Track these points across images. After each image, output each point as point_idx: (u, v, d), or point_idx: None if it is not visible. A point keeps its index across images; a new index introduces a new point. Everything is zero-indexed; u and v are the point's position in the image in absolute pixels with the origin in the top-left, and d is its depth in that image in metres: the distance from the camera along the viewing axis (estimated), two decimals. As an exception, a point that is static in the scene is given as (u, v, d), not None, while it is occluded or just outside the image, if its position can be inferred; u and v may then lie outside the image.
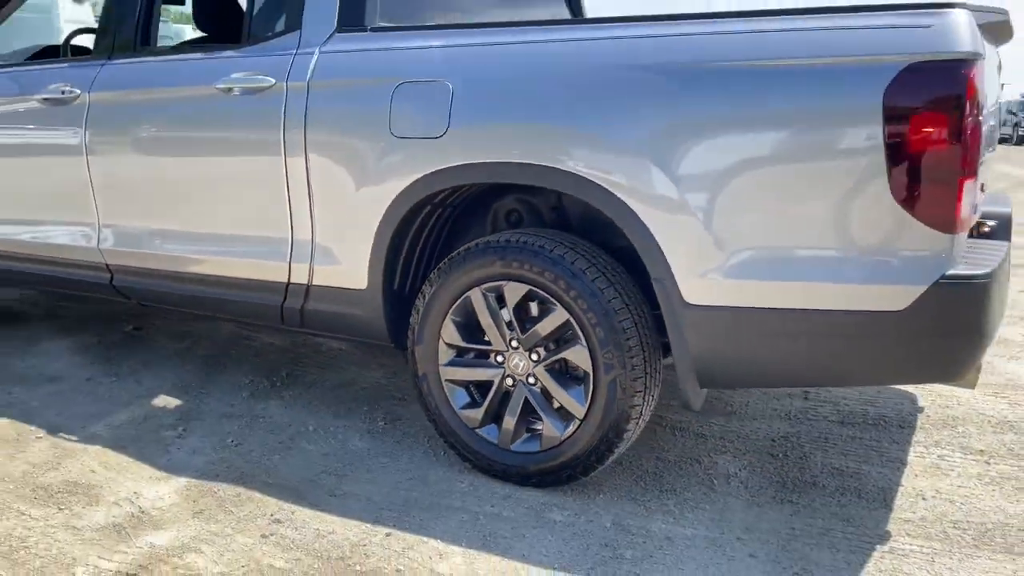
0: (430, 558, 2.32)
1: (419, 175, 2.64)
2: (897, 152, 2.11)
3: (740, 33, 2.29)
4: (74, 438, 3.05)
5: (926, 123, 2.08)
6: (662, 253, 2.36)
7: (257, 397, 3.44)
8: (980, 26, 2.30)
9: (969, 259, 2.26)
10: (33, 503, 2.60)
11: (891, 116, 2.10)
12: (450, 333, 2.73)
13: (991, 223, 3.06)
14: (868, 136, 2.12)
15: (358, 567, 2.28)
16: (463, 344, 2.73)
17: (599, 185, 2.39)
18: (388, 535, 2.43)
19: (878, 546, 2.44)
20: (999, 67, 2.86)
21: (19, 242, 3.69)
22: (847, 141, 2.16)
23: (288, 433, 3.11)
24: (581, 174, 2.41)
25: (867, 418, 3.37)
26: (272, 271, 3.02)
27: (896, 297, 2.18)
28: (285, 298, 3.03)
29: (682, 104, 2.31)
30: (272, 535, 2.43)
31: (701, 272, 2.33)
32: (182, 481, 2.75)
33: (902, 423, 3.33)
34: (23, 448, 2.97)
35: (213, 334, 4.24)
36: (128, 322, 4.40)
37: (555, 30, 2.56)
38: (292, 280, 2.99)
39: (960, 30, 2.08)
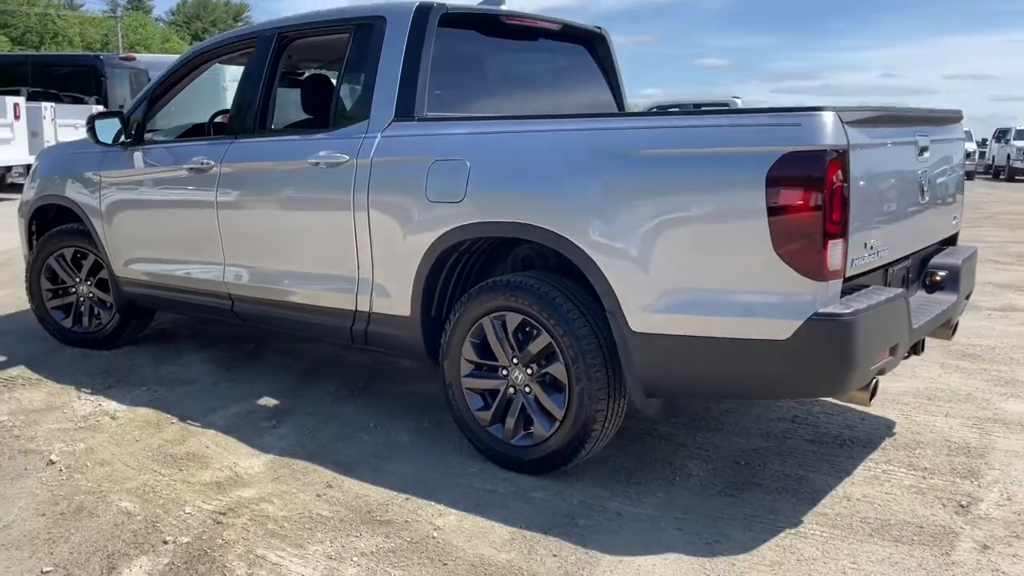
0: (431, 515, 3.12)
1: (445, 229, 3.49)
2: (777, 218, 2.78)
3: (670, 127, 3.04)
4: (197, 424, 4.04)
5: (796, 197, 2.75)
6: (613, 292, 3.09)
7: (337, 401, 4.35)
8: (871, 120, 2.96)
9: (847, 301, 2.87)
10: (163, 465, 3.57)
11: (772, 191, 2.77)
12: (469, 351, 3.54)
13: (942, 274, 3.63)
14: (757, 206, 2.80)
15: (379, 517, 3.10)
16: (478, 360, 3.53)
17: (568, 239, 3.16)
18: (407, 499, 3.25)
19: (787, 529, 3.05)
20: (922, 146, 3.42)
21: (171, 276, 4.77)
22: (743, 209, 2.84)
23: (353, 428, 3.99)
24: (554, 231, 3.19)
25: (839, 439, 3.92)
26: (344, 301, 3.92)
27: (781, 329, 2.83)
28: (353, 322, 3.92)
29: (627, 179, 3.05)
30: (324, 495, 3.29)
31: (642, 307, 3.05)
32: (269, 457, 3.66)
33: (868, 444, 3.87)
34: (160, 429, 3.98)
35: (313, 352, 5.21)
36: (250, 342, 5.44)
37: (540, 123, 3.38)
38: (358, 308, 3.89)
39: (824, 128, 2.74)
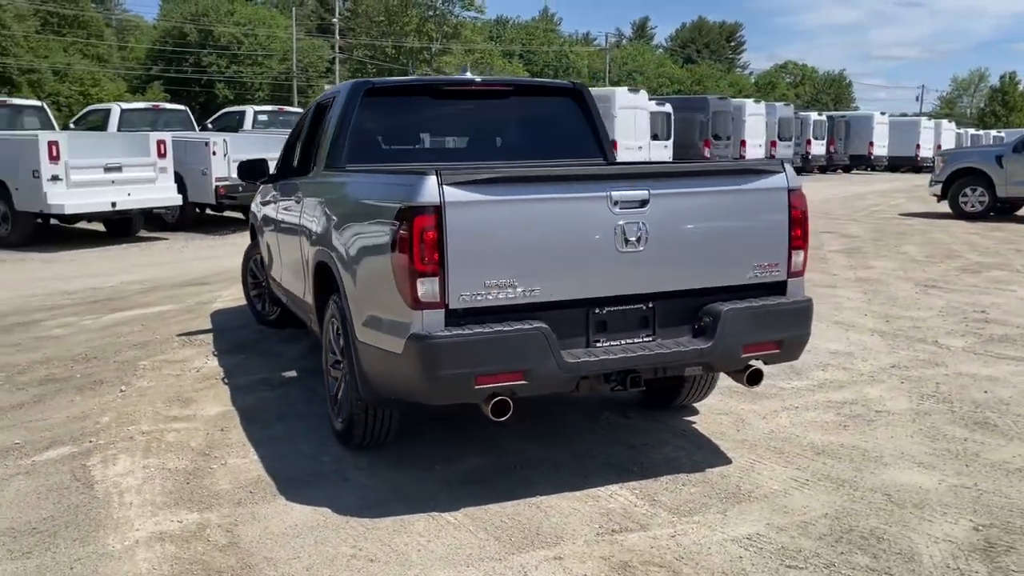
0: (235, 455, 4.38)
1: (315, 250, 4.69)
2: (394, 257, 3.54)
3: (359, 182, 3.97)
4: (226, 382, 5.73)
5: (401, 242, 3.48)
6: (349, 307, 4.05)
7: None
8: (504, 179, 3.55)
9: (455, 328, 3.49)
10: (165, 402, 5.29)
11: (391, 236, 3.55)
12: (328, 346, 4.68)
13: (706, 320, 3.90)
14: (387, 248, 3.59)
15: (206, 452, 4.44)
16: (332, 355, 4.66)
17: (334, 267, 4.18)
18: (243, 445, 4.54)
19: (429, 512, 3.72)
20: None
21: (273, 278, 6.56)
22: (383, 250, 3.64)
23: (306, 397, 5.33)
24: (331, 258, 4.23)
25: (632, 465, 4.24)
26: (306, 299, 5.31)
27: (398, 345, 3.58)
28: (310, 314, 5.29)
29: (350, 222, 4.03)
30: (210, 434, 4.71)
31: (360, 321, 3.96)
32: (229, 408, 5.18)
33: (647, 474, 4.14)
34: (202, 381, 5.74)
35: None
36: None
37: (346, 175, 4.44)
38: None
39: (422, 189, 3.44)
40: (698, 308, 3.95)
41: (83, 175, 12.76)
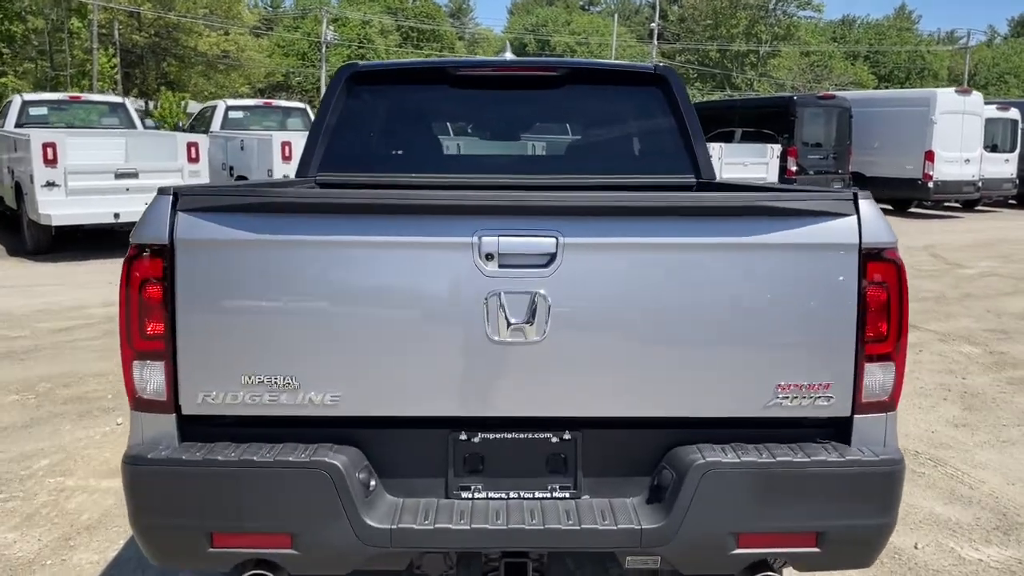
0: (97, 551, 3.34)
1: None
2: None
3: None
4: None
5: (120, 300, 2.17)
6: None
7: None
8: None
9: (191, 447, 2.14)
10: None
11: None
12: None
13: (664, 476, 2.26)
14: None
15: (77, 536, 3.46)
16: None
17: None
18: (127, 534, 3.50)
19: None
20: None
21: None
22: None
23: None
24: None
25: None
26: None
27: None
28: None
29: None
30: (119, 508, 3.75)
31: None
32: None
33: None
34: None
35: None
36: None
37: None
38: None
39: (147, 218, 2.11)
40: (665, 451, 2.20)
41: (312, 174, 12.84)
